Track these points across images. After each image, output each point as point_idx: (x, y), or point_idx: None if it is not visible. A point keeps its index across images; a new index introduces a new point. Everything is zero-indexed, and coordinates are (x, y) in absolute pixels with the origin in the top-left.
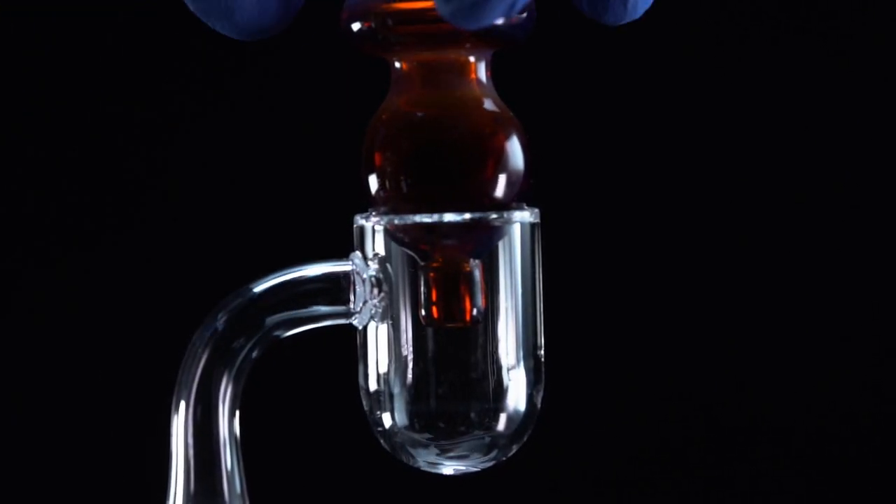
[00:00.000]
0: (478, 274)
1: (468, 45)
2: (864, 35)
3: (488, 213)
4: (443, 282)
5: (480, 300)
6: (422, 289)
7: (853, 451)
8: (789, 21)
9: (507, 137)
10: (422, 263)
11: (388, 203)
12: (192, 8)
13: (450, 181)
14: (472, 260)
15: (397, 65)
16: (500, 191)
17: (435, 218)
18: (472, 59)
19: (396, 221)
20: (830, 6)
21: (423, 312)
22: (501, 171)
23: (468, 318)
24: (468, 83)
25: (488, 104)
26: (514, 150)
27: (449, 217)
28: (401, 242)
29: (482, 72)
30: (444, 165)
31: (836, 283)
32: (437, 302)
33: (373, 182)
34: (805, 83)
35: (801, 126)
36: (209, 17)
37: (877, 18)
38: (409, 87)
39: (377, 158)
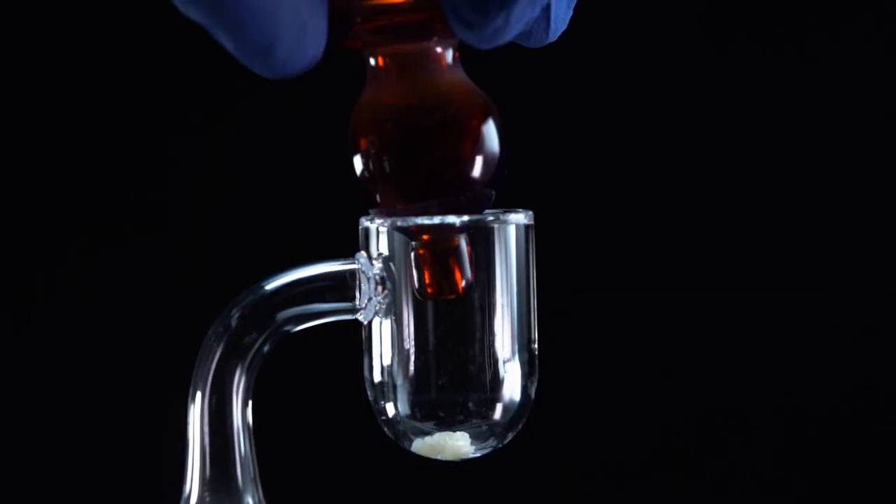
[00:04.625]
0: (465, 246)
1: (436, 38)
2: (862, 36)
3: (485, 215)
4: (433, 258)
5: (470, 272)
6: (413, 267)
7: (851, 449)
8: (787, 22)
9: (492, 117)
10: (413, 243)
11: (371, 185)
12: (231, 50)
13: (436, 165)
14: (459, 235)
15: (372, 61)
16: (484, 172)
17: (435, 220)
18: (439, 49)
19: (399, 223)
20: (829, 8)
21: (417, 286)
22: (488, 152)
23: (460, 290)
24: (442, 70)
25: (468, 87)
26: (495, 133)
27: (449, 219)
28: (395, 227)
29: (450, 57)
30: (430, 148)
31: (832, 282)
32: (429, 278)
33: (357, 164)
34: (802, 84)
35: (795, 126)
36: (246, 58)
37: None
38: (387, 79)
39: (362, 143)
